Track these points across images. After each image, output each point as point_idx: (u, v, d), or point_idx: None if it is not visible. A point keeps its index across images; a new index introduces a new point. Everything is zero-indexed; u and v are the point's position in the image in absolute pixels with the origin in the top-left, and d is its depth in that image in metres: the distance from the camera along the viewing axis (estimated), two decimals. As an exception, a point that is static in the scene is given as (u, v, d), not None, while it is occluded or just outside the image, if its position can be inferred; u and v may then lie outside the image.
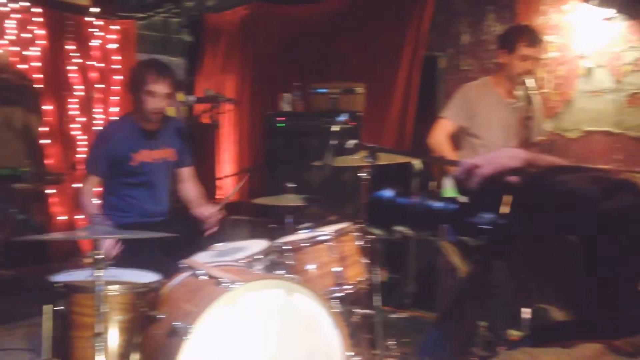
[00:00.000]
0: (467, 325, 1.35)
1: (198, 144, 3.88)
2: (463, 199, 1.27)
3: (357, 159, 3.03)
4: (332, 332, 2.49)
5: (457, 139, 3.78)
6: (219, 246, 3.12)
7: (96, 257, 2.28)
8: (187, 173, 3.63)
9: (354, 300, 3.03)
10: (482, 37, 4.86)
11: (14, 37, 5.63)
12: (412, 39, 4.97)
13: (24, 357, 3.70)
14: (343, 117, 2.95)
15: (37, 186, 5.56)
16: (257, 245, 3.01)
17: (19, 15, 5.65)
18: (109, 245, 3.01)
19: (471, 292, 1.33)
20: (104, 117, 6.29)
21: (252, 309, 2.32)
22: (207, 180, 3.63)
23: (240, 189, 4.07)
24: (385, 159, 2.97)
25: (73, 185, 6.04)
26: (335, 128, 2.86)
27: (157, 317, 2.42)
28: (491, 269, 1.23)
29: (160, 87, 3.26)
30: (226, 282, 2.32)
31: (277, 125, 4.78)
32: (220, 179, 5.50)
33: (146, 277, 2.69)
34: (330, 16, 5.60)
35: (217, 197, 3.69)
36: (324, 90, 4.81)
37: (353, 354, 2.54)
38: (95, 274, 2.28)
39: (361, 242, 3.05)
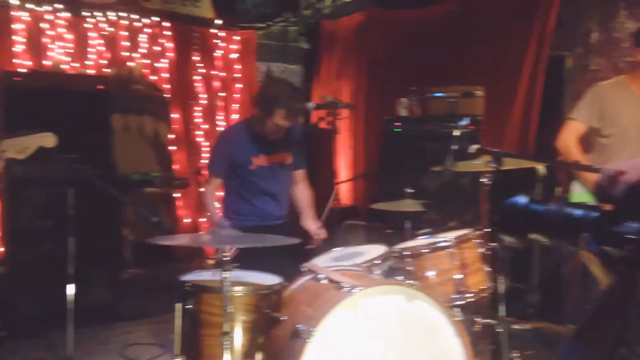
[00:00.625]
0: (608, 340, 1.27)
1: (316, 150, 3.94)
2: (605, 206, 1.19)
3: (478, 164, 2.95)
4: (453, 341, 2.44)
5: (586, 140, 3.58)
6: (338, 250, 3.15)
7: (222, 259, 2.36)
8: (300, 175, 3.71)
9: (476, 309, 2.94)
10: (614, 35, 4.58)
11: (145, 51, 6.03)
12: (536, 39, 4.76)
13: (154, 352, 3.91)
14: (464, 121, 2.88)
15: (165, 190, 5.89)
16: (376, 250, 3.00)
17: (150, 30, 6.04)
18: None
19: (613, 305, 1.24)
20: (225, 124, 6.57)
21: (372, 314, 2.32)
22: (326, 185, 3.69)
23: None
24: (509, 164, 2.87)
25: (199, 190, 6.37)
26: (456, 132, 2.80)
27: (280, 318, 2.47)
28: (635, 282, 1.15)
29: (285, 123, 3.33)
30: (347, 287, 2.33)
31: (394, 130, 4.77)
32: (337, 183, 5.55)
33: (269, 279, 2.76)
34: (448, 18, 5.50)
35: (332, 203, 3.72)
36: (442, 94, 4.73)
37: (475, 364, 2.46)
38: (222, 275, 2.37)
39: (483, 250, 2.96)
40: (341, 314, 2.26)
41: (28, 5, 5.33)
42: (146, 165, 5.86)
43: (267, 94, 3.37)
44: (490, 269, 2.96)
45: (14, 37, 5.28)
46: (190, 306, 2.60)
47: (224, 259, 2.37)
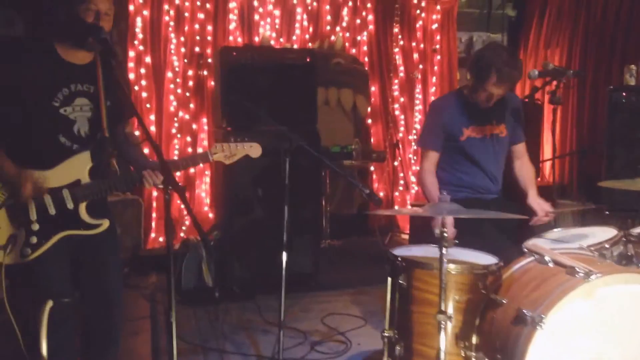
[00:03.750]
0: None
1: (530, 121, 3.64)
2: None
3: None
4: None
5: None
6: (558, 231, 2.87)
7: (443, 234, 2.24)
8: (519, 150, 3.42)
9: None
10: None
11: (346, 24, 6.06)
12: None
13: (355, 323, 3.93)
14: None
15: (362, 163, 5.91)
16: (603, 233, 2.68)
17: (352, 3, 6.05)
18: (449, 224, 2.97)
19: None
20: (422, 97, 6.42)
21: (610, 305, 2.06)
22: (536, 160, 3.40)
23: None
24: None
25: (393, 164, 6.33)
26: None
27: (500, 301, 2.30)
28: None
29: (498, 90, 3.09)
30: (581, 273, 2.09)
31: (620, 100, 4.27)
32: (545, 161, 5.14)
33: (484, 258, 2.59)
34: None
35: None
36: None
37: None
38: (441, 252, 2.25)
39: None
40: (575, 302, 2.04)
41: (242, -16, 5.61)
42: (344, 138, 5.92)
43: (481, 59, 3.16)
44: None
45: (229, 16, 5.60)
46: (402, 281, 2.53)
47: (444, 234, 2.24)
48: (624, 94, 4.25)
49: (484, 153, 3.30)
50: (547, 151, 5.95)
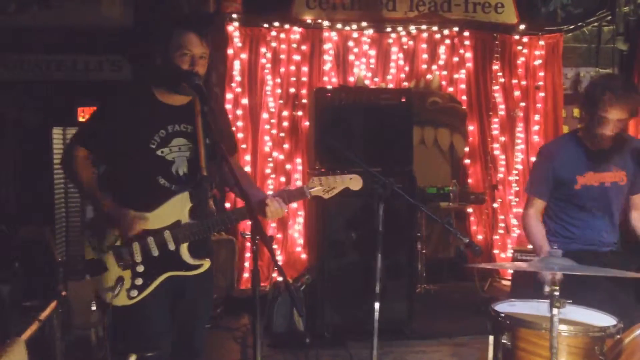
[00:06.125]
0: None
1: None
2: None
3: None
4: None
5: None
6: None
7: (554, 294, 2.03)
8: (638, 200, 3.08)
9: None
10: None
11: (443, 62, 5.92)
12: None
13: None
14: None
15: (460, 205, 5.67)
16: None
17: (449, 41, 5.91)
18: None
19: None
20: (524, 136, 6.13)
21: None
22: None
23: None
24: None
25: (492, 205, 6.03)
26: None
27: (621, 370, 2.05)
28: None
29: (614, 114, 2.80)
30: None
31: None
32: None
33: (600, 318, 2.34)
34: None
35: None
36: None
37: None
38: (552, 314, 2.03)
39: None
40: None
41: (337, 26, 5.62)
42: (441, 179, 5.73)
43: (591, 86, 2.90)
44: None
45: (324, 57, 5.62)
46: (505, 341, 2.31)
47: (554, 293, 2.02)
48: None
49: (601, 203, 2.96)
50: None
